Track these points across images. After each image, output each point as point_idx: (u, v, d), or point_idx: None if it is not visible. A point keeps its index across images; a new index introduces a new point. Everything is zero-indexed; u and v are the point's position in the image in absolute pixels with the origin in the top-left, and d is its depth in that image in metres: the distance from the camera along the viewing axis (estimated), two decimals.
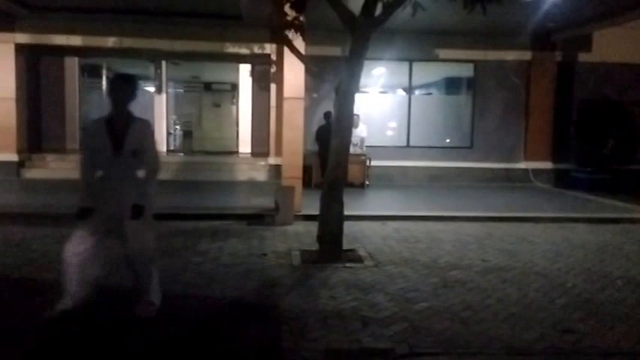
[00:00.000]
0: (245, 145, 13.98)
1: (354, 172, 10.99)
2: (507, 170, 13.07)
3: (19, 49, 11.91)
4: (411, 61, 12.91)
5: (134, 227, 3.85)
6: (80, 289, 3.87)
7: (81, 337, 3.66)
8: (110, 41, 11.98)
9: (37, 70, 12.91)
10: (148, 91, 14.41)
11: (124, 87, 3.91)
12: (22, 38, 11.81)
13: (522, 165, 13.13)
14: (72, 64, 13.24)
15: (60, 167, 11.98)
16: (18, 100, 11.94)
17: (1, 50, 11.67)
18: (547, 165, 13.01)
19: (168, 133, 14.20)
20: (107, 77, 14.83)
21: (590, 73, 12.82)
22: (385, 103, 13.59)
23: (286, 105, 8.21)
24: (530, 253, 6.37)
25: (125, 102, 3.88)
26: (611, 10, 10.55)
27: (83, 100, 13.68)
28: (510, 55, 12.89)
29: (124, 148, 3.82)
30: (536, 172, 13.01)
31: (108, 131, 3.83)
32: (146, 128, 3.95)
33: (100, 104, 14.68)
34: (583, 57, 12.91)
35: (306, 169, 9.47)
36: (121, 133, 3.83)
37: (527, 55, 12.91)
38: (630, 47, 12.55)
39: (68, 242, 3.86)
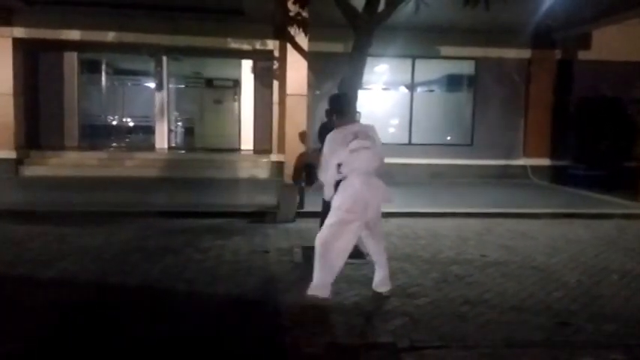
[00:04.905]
0: (247, 142, 13.98)
1: None
2: (506, 167, 13.14)
3: (17, 43, 11.80)
4: (413, 58, 12.94)
5: None
6: None
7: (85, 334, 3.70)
8: (110, 36, 11.90)
9: (35, 65, 12.75)
10: (149, 87, 14.38)
11: None
12: (20, 32, 11.70)
13: (521, 162, 13.20)
14: (71, 59, 13.08)
15: (59, 164, 11.91)
16: (16, 95, 11.83)
17: None
18: (545, 162, 13.07)
19: (170, 130, 14.18)
20: (106, 73, 14.76)
21: (589, 71, 12.79)
22: (387, 100, 13.60)
23: (289, 102, 8.22)
24: (528, 248, 6.43)
25: None
26: (611, 8, 10.58)
27: (82, 96, 13.56)
28: (510, 53, 12.92)
29: None
30: (535, 169, 13.07)
31: None
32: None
33: (99, 100, 14.60)
34: (582, 55, 12.93)
35: None
36: None
37: (527, 53, 12.95)
38: (629, 45, 12.53)
39: None
